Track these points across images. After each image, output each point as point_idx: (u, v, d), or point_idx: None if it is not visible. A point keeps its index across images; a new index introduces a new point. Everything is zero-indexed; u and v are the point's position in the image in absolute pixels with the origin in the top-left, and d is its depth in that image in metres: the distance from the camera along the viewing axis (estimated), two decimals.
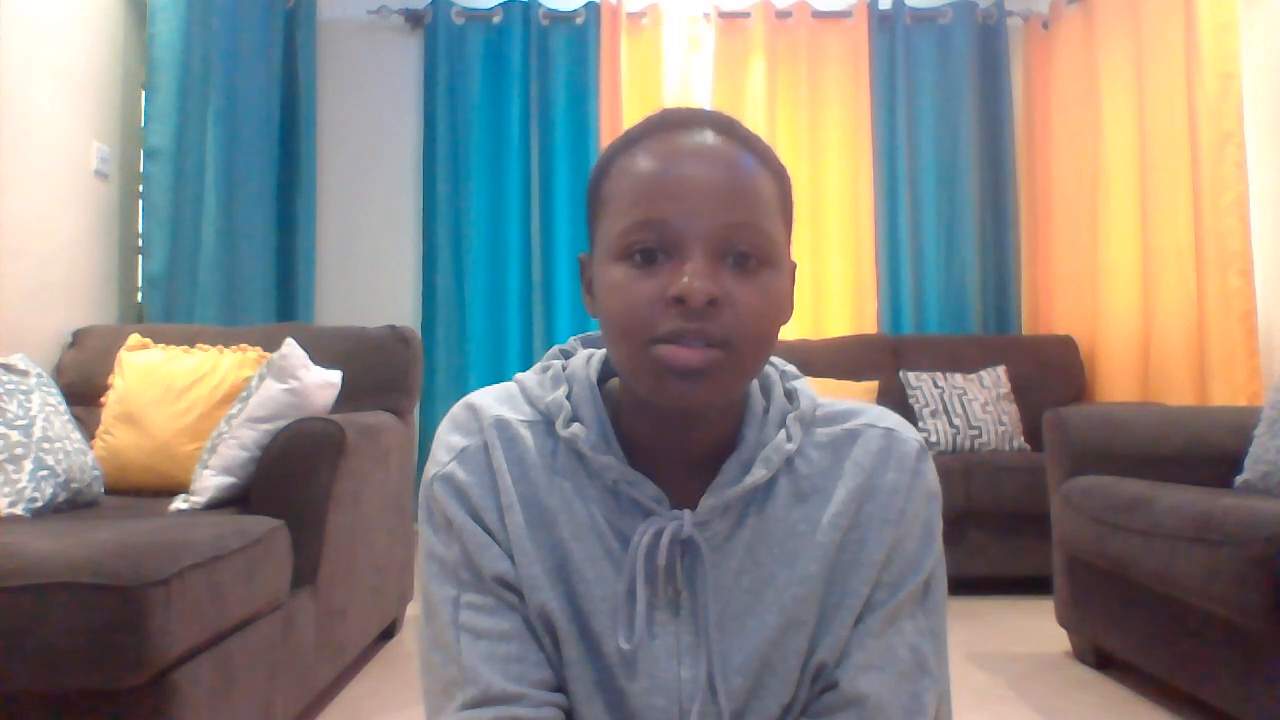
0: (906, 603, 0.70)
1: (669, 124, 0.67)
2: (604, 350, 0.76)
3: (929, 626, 0.71)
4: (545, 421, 0.72)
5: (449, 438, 0.73)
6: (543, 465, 0.71)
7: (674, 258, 0.62)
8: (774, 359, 0.76)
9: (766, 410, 0.72)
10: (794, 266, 0.69)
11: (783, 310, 0.66)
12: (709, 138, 0.65)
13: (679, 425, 0.69)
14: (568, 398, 0.72)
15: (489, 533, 0.70)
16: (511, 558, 0.69)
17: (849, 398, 3.31)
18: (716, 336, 0.61)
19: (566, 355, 0.79)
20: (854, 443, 0.72)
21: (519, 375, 0.76)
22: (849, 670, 0.68)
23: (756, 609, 0.69)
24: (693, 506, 0.69)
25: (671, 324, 0.61)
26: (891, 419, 0.74)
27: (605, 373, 0.75)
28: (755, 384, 0.73)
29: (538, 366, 0.77)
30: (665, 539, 0.67)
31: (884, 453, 0.71)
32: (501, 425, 0.71)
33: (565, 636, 0.69)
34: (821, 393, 0.77)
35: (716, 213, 0.62)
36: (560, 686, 0.70)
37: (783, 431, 0.71)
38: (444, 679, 0.68)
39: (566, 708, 0.69)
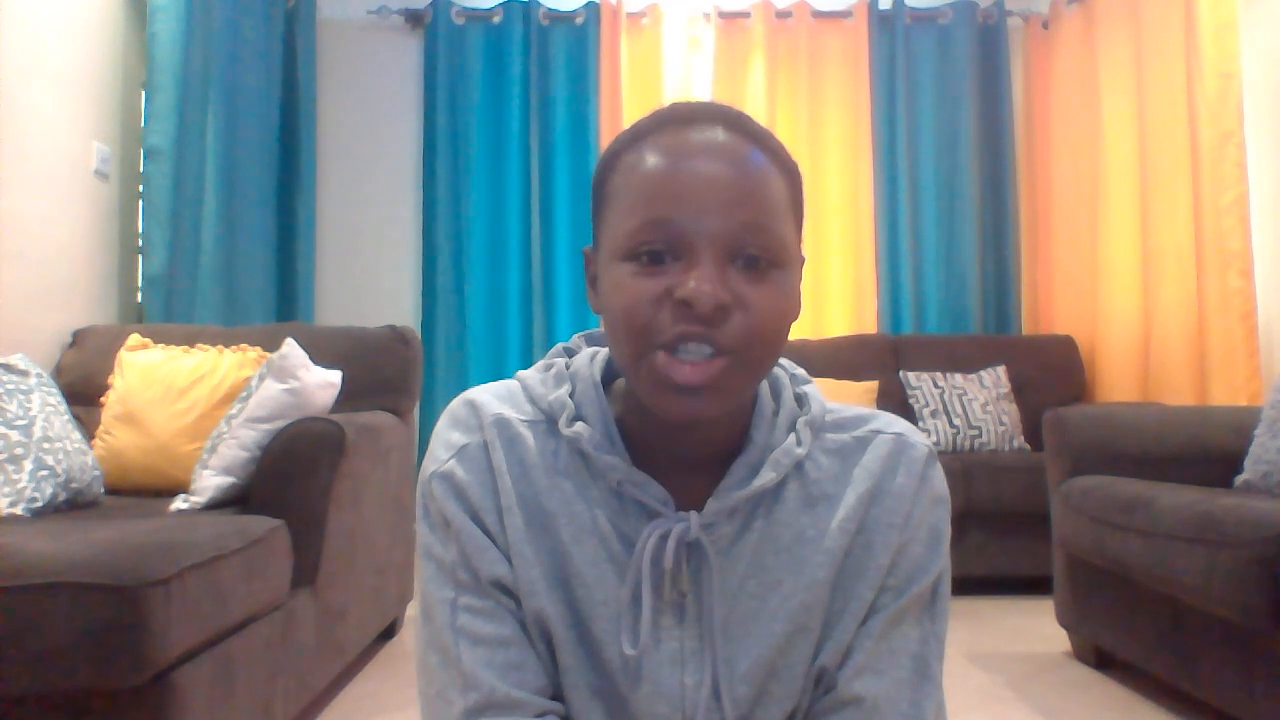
0: (912, 606, 0.69)
1: (677, 119, 0.64)
2: (608, 349, 0.74)
3: (934, 632, 0.70)
4: (547, 421, 0.70)
5: (448, 434, 0.71)
6: (544, 466, 0.69)
7: (681, 259, 0.60)
8: (783, 361, 0.74)
9: (776, 413, 0.71)
10: (802, 260, 0.67)
11: (793, 310, 0.64)
12: (719, 134, 0.62)
13: (685, 426, 0.67)
14: (571, 396, 0.70)
15: (488, 534, 0.68)
16: (509, 560, 0.68)
17: (849, 398, 3.31)
18: (725, 344, 0.60)
19: (570, 353, 0.77)
20: (864, 449, 0.71)
21: (521, 373, 0.74)
22: (848, 672, 0.68)
23: (763, 615, 0.68)
24: (698, 509, 0.68)
25: (676, 328, 0.59)
26: (901, 424, 0.73)
27: (609, 372, 0.73)
28: (764, 385, 0.71)
29: (540, 364, 0.75)
30: (672, 541, 0.65)
31: (893, 457, 0.70)
32: (502, 424, 0.70)
33: (563, 642, 0.67)
34: (821, 393, 0.76)
35: (726, 213, 0.60)
36: (557, 694, 0.69)
37: (792, 435, 0.70)
38: (440, 682, 0.67)
39: (565, 715, 0.68)
